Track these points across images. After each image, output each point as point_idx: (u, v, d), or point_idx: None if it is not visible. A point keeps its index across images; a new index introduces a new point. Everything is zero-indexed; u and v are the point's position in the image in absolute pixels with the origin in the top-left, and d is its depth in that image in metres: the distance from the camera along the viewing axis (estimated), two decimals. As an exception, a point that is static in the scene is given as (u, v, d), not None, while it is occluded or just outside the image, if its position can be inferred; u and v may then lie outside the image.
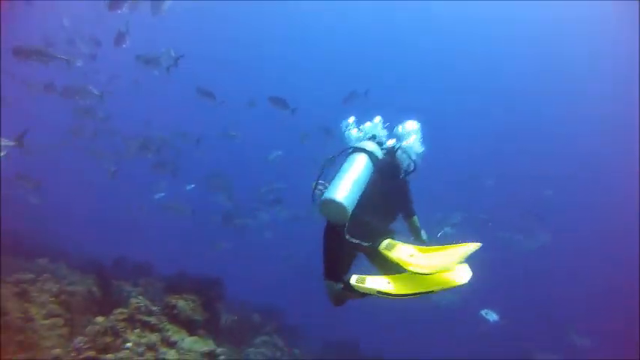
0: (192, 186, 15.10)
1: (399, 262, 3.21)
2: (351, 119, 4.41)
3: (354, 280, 3.28)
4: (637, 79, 20.20)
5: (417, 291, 3.07)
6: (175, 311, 7.07)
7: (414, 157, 4.10)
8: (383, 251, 3.39)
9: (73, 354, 5.87)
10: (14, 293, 6.62)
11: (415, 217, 4.14)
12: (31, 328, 6.08)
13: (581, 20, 23.09)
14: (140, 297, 6.98)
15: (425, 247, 3.35)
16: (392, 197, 4.01)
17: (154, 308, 6.84)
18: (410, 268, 3.11)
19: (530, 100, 27.64)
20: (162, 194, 14.52)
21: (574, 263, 18.98)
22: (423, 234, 4.20)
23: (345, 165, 3.74)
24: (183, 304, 7.20)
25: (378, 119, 4.35)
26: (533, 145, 24.15)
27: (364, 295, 3.34)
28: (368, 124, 4.34)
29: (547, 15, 24.84)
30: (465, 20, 28.47)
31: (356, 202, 3.55)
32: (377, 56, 31.05)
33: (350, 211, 3.47)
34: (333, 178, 3.64)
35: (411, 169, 4.10)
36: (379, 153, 3.96)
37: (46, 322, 6.39)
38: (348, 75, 25.60)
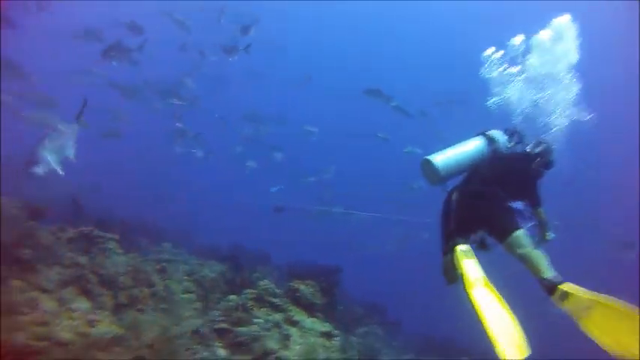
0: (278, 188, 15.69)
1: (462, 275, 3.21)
2: None
3: (461, 247, 3.43)
4: (637, 79, 19.83)
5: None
6: (297, 294, 7.54)
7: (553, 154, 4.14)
8: (456, 253, 3.43)
9: (209, 324, 6.42)
10: (156, 269, 7.35)
11: (541, 209, 4.10)
12: (173, 299, 6.71)
13: (581, 20, 22.63)
14: (266, 280, 7.47)
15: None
16: (514, 183, 3.96)
17: (278, 291, 7.36)
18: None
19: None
20: (278, 188, 15.23)
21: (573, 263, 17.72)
22: (549, 235, 4.14)
23: (458, 143, 4.00)
24: (304, 288, 7.65)
25: None
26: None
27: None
28: None
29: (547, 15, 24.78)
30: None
31: (453, 170, 3.86)
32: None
33: (442, 173, 3.79)
34: None
35: (546, 163, 4.11)
36: (503, 141, 4.11)
37: (184, 295, 7.01)
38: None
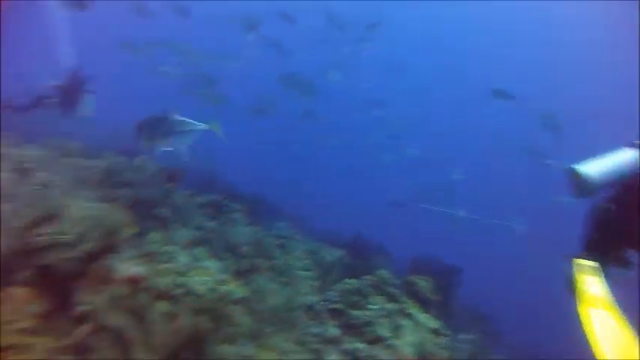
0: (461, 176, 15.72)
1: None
2: None
3: (589, 262, 3.10)
4: (637, 79, 19.18)
5: None
6: (414, 288, 7.44)
7: None
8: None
9: (324, 303, 6.50)
10: (276, 244, 7.59)
11: None
12: (292, 274, 6.88)
13: (580, 20, 22.45)
14: (385, 270, 7.43)
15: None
16: None
17: (397, 281, 7.30)
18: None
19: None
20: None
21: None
22: None
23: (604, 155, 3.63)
24: (422, 283, 7.54)
25: None
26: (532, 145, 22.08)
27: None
28: None
29: (546, 15, 24.15)
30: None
31: (604, 181, 3.49)
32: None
33: (594, 184, 3.45)
34: None
35: None
36: None
37: (302, 272, 7.14)
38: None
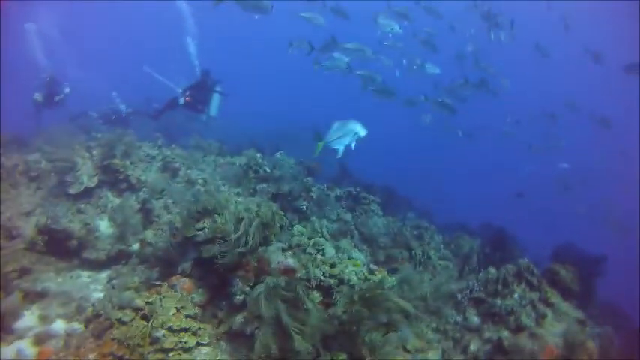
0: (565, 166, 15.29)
1: None
2: None
3: None
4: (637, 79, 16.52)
5: None
6: (556, 277, 7.04)
7: None
8: None
9: (466, 292, 6.34)
10: (414, 235, 7.53)
11: None
12: (430, 264, 6.81)
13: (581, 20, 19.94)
14: (526, 258, 7.11)
15: None
16: None
17: (537, 270, 6.95)
18: None
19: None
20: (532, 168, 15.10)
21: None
22: None
23: None
24: (564, 272, 7.11)
25: None
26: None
27: None
28: None
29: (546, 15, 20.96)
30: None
31: None
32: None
33: None
34: None
35: None
36: None
37: (441, 262, 7.03)
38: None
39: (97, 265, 5.97)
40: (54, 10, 15.34)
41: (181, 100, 9.82)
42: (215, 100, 9.89)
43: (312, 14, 8.93)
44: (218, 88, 9.93)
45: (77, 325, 4.71)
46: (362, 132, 5.56)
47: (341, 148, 5.63)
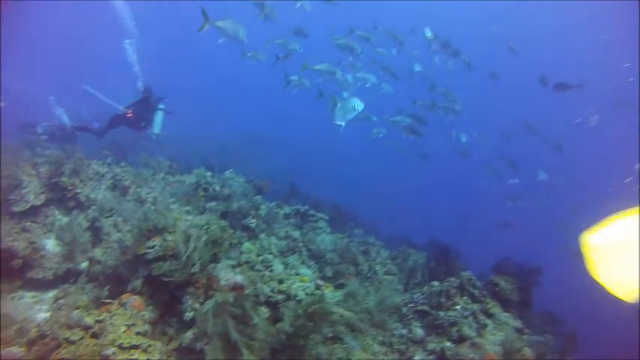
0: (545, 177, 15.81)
1: None
2: None
3: None
4: (637, 79, 19.03)
5: None
6: (497, 289, 7.42)
7: None
8: None
9: (410, 305, 6.62)
10: (360, 251, 7.77)
11: None
12: (377, 278, 7.05)
13: (580, 20, 22.04)
14: (469, 272, 7.48)
15: None
16: None
17: (479, 283, 7.32)
18: None
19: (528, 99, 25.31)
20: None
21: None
22: None
23: None
24: (504, 284, 7.50)
25: None
26: (532, 145, 20.51)
27: None
28: None
29: (546, 15, 24.04)
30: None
31: None
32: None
33: None
34: None
35: None
36: None
37: (387, 277, 7.30)
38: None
39: (43, 285, 5.91)
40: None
41: (124, 118, 9.74)
42: (159, 117, 9.86)
43: (286, 40, 9.15)
44: (161, 106, 9.91)
45: (16, 350, 4.63)
46: (360, 106, 5.86)
47: (343, 124, 5.89)
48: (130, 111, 9.70)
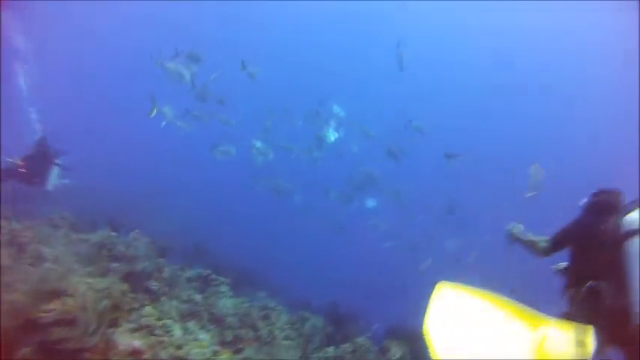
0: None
1: None
2: None
3: None
4: (637, 79, 19.60)
5: None
6: (388, 353, 7.92)
7: None
8: None
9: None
10: (260, 315, 8.00)
11: None
12: (275, 344, 7.29)
13: (580, 20, 22.37)
14: (363, 337, 7.93)
15: None
16: None
17: (374, 348, 7.80)
18: None
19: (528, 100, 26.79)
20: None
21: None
22: None
23: None
24: (396, 349, 8.02)
25: None
26: (532, 145, 22.93)
27: None
28: None
29: (546, 15, 24.42)
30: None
31: None
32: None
33: None
34: None
35: None
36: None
37: (285, 342, 7.55)
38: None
39: None
40: None
41: (15, 171, 9.00)
42: (54, 172, 9.28)
43: (178, 66, 9.26)
44: (58, 161, 9.30)
45: None
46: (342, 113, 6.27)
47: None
48: (22, 164, 9.01)
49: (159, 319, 5.62)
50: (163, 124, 9.54)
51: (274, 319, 8.18)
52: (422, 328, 2.48)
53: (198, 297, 7.56)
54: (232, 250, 12.08)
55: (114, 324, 5.12)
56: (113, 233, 8.02)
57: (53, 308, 5.00)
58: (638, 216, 3.21)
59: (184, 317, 6.62)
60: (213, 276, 8.31)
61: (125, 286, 5.79)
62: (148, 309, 5.86)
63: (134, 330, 5.34)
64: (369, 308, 11.36)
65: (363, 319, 10.40)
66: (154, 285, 7.15)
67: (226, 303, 7.72)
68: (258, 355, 5.50)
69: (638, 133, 20.28)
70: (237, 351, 6.35)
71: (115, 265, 7.36)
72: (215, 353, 5.32)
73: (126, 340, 4.96)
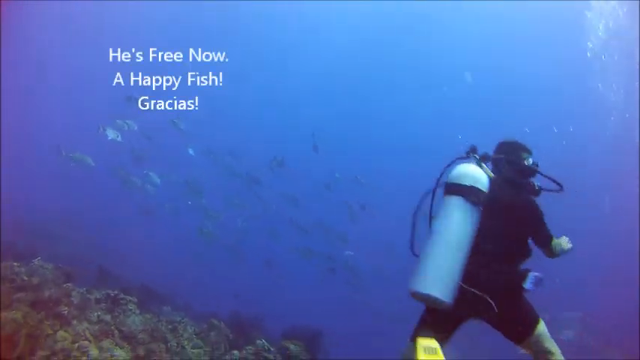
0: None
1: None
2: None
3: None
4: (637, 79, 19.25)
5: None
6: (288, 352, 8.88)
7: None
8: None
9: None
10: (169, 328, 8.55)
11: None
12: (183, 353, 7.90)
13: (580, 20, 21.24)
14: (263, 340, 8.75)
15: None
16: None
17: (272, 348, 8.67)
18: None
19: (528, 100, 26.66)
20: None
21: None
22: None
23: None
24: (293, 347, 9.01)
25: None
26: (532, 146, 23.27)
27: None
28: None
29: (546, 15, 24.14)
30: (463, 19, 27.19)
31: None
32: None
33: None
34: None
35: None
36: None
37: (194, 350, 8.17)
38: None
39: None
40: None
41: None
42: None
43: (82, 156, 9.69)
44: None
45: None
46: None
47: None
48: None
49: (73, 342, 6.04)
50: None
51: (181, 331, 8.75)
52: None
53: (108, 317, 7.95)
54: (135, 269, 12.39)
55: (32, 352, 5.49)
56: (15, 263, 8.16)
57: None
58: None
59: (97, 337, 7.02)
60: (121, 295, 8.70)
61: (35, 314, 6.14)
62: (61, 333, 6.25)
63: (49, 355, 5.74)
64: (269, 313, 12.18)
65: (263, 323, 11.24)
66: (64, 309, 7.47)
67: (135, 320, 8.17)
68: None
69: (638, 132, 19.64)
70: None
71: (20, 295, 7.56)
72: (132, 368, 5.86)
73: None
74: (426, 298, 2.91)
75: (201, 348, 8.48)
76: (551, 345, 3.18)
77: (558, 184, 3.32)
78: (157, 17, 19.80)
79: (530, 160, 3.41)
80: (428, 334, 2.94)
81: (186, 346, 8.20)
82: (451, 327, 3.20)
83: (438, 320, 3.12)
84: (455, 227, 2.92)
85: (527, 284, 3.01)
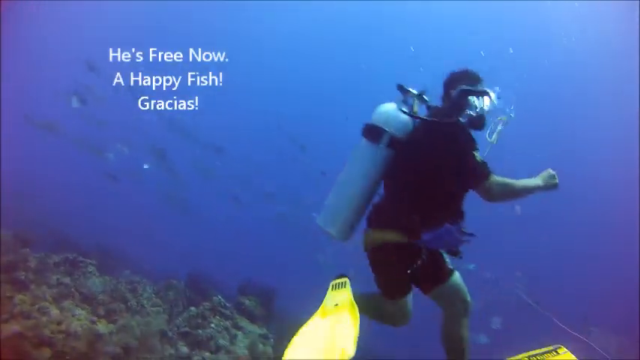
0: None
1: None
2: None
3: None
4: (637, 79, 18.90)
5: None
6: (243, 307, 9.37)
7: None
8: None
9: (174, 329, 8.01)
10: (128, 289, 8.84)
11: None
12: (145, 312, 8.22)
13: (580, 20, 21.18)
14: (219, 296, 9.14)
15: None
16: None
17: (228, 304, 9.09)
18: None
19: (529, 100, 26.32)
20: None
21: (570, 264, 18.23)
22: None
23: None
24: (248, 302, 9.47)
25: None
26: (532, 146, 21.57)
27: None
28: None
29: (546, 15, 23.20)
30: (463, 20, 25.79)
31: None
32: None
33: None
34: None
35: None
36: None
37: (153, 309, 8.50)
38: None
39: None
40: None
41: None
42: None
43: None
44: None
45: None
46: None
47: None
48: None
49: (33, 304, 6.27)
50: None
51: (141, 291, 9.06)
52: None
53: (67, 279, 8.18)
54: (94, 232, 12.49)
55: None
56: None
57: None
58: None
59: (57, 299, 7.25)
60: (80, 258, 8.90)
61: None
62: (20, 297, 6.47)
63: (10, 319, 5.97)
64: (223, 269, 12.51)
65: (218, 280, 11.59)
66: (22, 275, 7.64)
67: (95, 282, 8.42)
68: (132, 322, 6.41)
69: (638, 132, 19.29)
70: (112, 322, 7.16)
71: (-24, 262, 7.69)
72: (93, 323, 6.15)
73: (5, 328, 5.60)
74: (327, 233, 2.98)
75: (160, 306, 8.80)
76: (466, 294, 3.06)
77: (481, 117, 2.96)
78: (157, 17, 19.33)
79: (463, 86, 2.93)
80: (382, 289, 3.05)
81: (146, 305, 8.52)
82: (396, 274, 2.98)
83: (381, 272, 3.07)
84: (354, 169, 2.88)
85: (426, 235, 2.77)
